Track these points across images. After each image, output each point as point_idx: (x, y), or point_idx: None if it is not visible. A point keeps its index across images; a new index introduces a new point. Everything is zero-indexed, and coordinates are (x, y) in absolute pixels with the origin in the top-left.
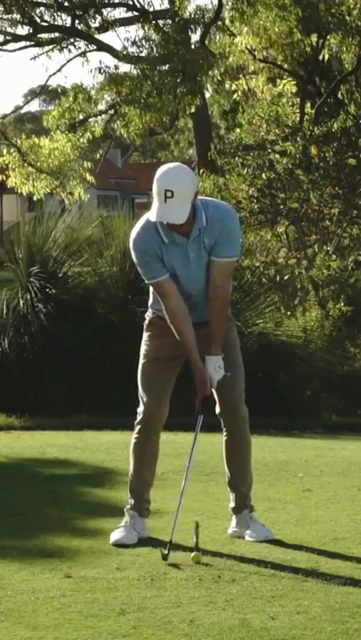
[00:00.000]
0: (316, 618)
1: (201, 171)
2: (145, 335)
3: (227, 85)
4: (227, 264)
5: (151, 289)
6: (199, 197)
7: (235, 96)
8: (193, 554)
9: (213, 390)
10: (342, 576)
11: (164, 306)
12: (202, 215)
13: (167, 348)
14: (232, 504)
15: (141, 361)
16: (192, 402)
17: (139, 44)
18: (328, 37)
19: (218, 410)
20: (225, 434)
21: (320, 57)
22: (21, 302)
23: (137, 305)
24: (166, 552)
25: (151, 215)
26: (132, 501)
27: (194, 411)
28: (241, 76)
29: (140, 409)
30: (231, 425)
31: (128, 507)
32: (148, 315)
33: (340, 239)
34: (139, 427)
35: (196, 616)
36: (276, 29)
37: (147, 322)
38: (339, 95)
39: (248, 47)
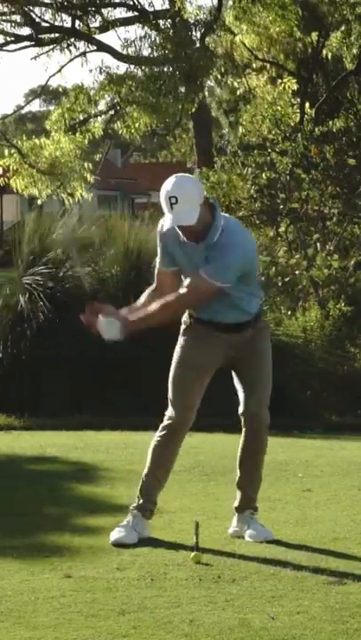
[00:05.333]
0: (316, 618)
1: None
2: (182, 340)
3: (229, 81)
4: (202, 280)
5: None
6: (224, 215)
7: (237, 93)
8: (193, 554)
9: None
10: (342, 576)
11: (156, 293)
12: (217, 231)
13: (205, 355)
14: (236, 503)
15: (176, 366)
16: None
17: (138, 44)
18: (329, 36)
19: (241, 410)
20: (243, 436)
21: (321, 56)
22: (21, 302)
23: None
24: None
25: (165, 224)
26: (140, 501)
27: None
28: (242, 75)
29: (170, 413)
30: (249, 429)
31: (133, 506)
32: (185, 320)
33: (340, 239)
34: (165, 431)
35: (196, 616)
36: (277, 28)
37: (184, 326)
38: (341, 95)
39: (249, 47)
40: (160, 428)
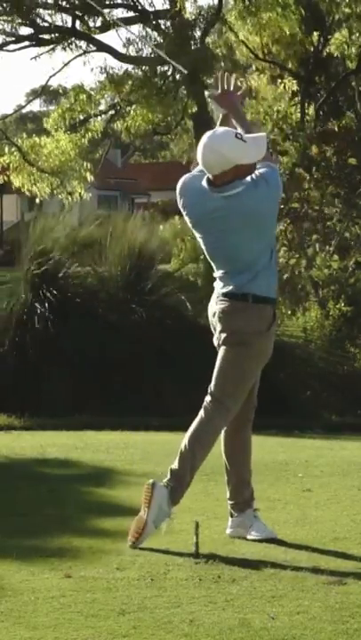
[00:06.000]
0: (316, 618)
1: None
2: (258, 332)
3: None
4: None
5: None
6: None
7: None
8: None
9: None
10: (342, 576)
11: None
12: (240, 186)
13: (270, 348)
14: (237, 500)
15: (249, 359)
16: (197, 402)
17: (139, 44)
18: (332, 35)
19: (247, 403)
20: (240, 427)
21: (322, 55)
22: (22, 302)
23: (137, 305)
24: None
25: (257, 156)
26: (180, 493)
27: (197, 410)
28: (243, 74)
29: (229, 405)
30: (250, 416)
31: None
32: (259, 312)
33: (340, 239)
34: (222, 423)
35: (196, 616)
36: (278, 28)
37: (261, 314)
38: (342, 94)
39: (250, 46)
40: (216, 420)
